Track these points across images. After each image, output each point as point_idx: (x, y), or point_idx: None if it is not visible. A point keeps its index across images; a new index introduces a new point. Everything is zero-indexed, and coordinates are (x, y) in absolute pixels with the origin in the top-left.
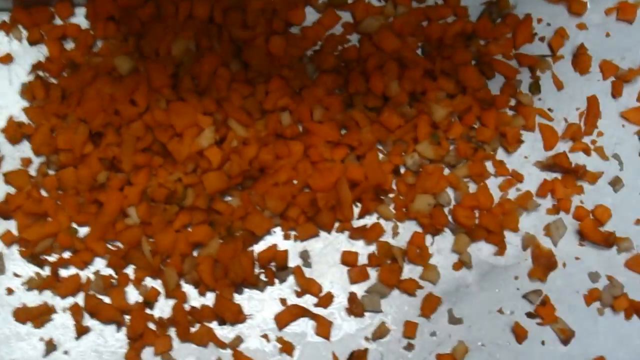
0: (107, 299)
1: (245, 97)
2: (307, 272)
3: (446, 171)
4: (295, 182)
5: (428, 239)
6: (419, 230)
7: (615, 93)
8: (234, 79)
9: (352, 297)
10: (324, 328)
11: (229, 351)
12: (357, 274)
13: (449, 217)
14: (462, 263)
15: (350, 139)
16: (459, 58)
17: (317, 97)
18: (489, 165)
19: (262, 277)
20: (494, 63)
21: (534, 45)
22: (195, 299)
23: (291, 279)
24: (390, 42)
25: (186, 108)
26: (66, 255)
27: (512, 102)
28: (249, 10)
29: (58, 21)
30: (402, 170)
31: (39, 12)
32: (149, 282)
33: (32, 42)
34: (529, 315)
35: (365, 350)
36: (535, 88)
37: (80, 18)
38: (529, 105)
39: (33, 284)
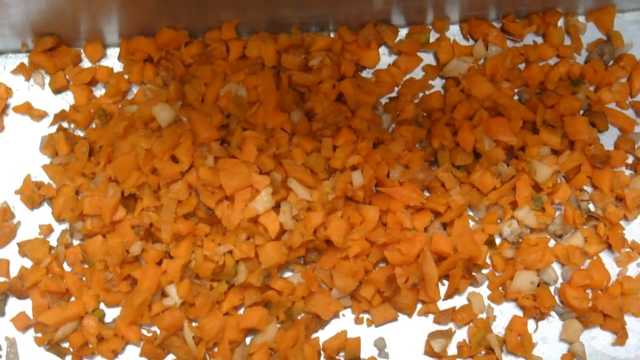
0: None
1: (308, 153)
2: None
3: (551, 243)
4: (368, 255)
5: (531, 324)
6: (520, 314)
7: None
8: (295, 131)
9: None
10: None
11: None
12: None
13: (556, 299)
14: (573, 354)
15: (435, 203)
16: (565, 107)
17: (395, 153)
18: (603, 236)
19: None
20: (607, 113)
21: None
22: None
23: None
24: (481, 88)
25: (238, 166)
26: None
27: (630, 160)
28: (312, 50)
29: (86, 64)
30: (498, 242)
31: (63, 54)
32: None
33: (56, 89)
34: None
35: None
36: None
37: (112, 60)
38: None
39: None
